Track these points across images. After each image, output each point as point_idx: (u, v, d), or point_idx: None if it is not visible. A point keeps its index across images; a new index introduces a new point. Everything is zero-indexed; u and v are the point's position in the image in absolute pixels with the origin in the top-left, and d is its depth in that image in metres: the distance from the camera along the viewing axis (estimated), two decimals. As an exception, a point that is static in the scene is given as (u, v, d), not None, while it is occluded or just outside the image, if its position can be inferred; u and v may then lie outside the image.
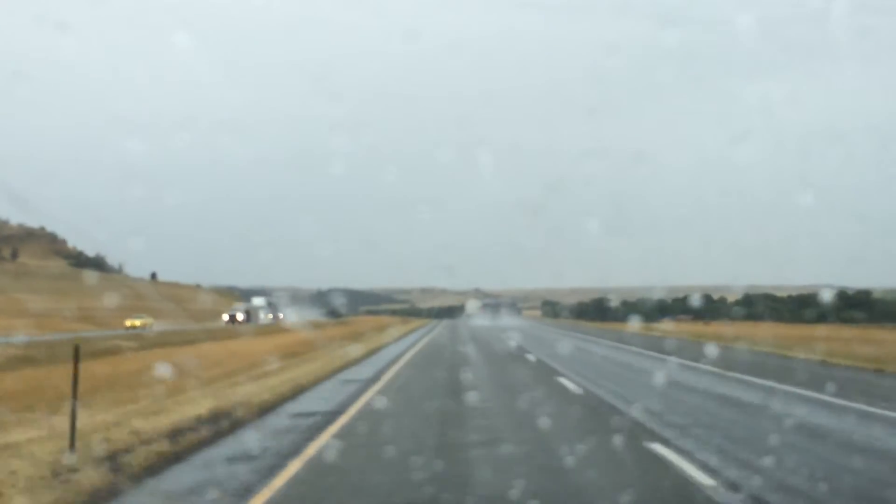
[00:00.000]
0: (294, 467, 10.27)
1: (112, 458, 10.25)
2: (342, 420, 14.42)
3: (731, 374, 24.71)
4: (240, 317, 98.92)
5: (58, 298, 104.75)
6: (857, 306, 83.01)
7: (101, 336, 50.63)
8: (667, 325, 73.54)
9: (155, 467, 10.29)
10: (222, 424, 13.48)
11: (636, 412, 15.40)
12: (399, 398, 18.10)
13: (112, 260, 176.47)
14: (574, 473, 9.94)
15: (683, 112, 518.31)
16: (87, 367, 26.26)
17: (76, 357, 11.20)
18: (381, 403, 16.85)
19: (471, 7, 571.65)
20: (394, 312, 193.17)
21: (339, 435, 12.74)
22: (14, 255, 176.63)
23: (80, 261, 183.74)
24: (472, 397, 17.92)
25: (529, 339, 54.18)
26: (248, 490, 9.02)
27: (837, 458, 11.30)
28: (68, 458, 9.89)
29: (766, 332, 49.24)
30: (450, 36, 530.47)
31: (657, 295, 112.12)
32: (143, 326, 78.02)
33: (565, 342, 50.03)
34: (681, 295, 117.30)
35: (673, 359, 32.00)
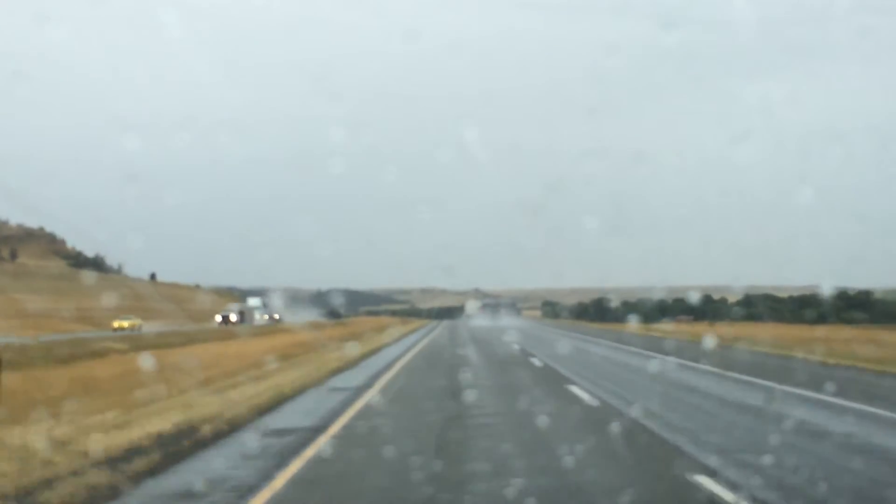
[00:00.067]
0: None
1: (20, 500, 8.62)
2: (321, 439, 12.90)
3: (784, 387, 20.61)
4: (233, 317, 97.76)
5: (56, 299, 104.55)
6: (857, 307, 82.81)
7: (91, 338, 49.05)
8: (667, 326, 73.08)
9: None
10: (183, 444, 12.19)
11: (669, 434, 13.16)
12: (392, 409, 16.65)
13: (111, 260, 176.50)
14: None
15: (683, 112, 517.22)
16: (70, 372, 26.09)
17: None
18: (366, 422, 14.83)
19: (471, 7, 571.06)
20: (393, 313, 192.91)
21: (315, 460, 11.29)
22: (13, 256, 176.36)
23: (80, 261, 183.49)
24: (474, 413, 16.02)
25: (531, 340, 53.66)
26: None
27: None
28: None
29: (770, 332, 48.79)
30: (450, 36, 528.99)
31: (657, 295, 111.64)
32: (131, 328, 77.41)
33: (567, 343, 49.74)
34: (681, 295, 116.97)
35: (689, 363, 29.39)
